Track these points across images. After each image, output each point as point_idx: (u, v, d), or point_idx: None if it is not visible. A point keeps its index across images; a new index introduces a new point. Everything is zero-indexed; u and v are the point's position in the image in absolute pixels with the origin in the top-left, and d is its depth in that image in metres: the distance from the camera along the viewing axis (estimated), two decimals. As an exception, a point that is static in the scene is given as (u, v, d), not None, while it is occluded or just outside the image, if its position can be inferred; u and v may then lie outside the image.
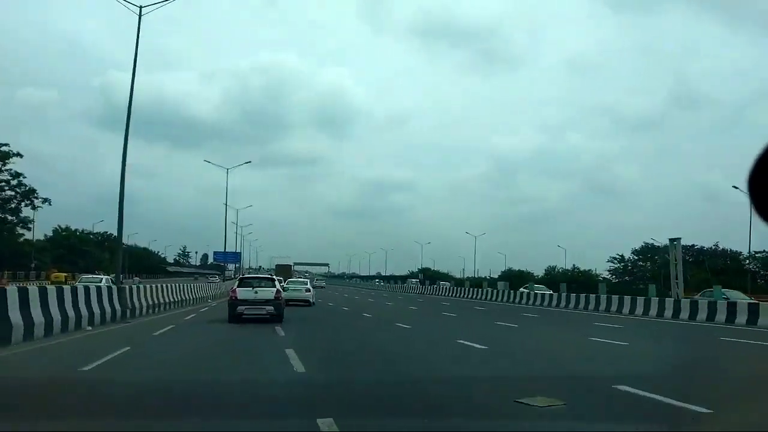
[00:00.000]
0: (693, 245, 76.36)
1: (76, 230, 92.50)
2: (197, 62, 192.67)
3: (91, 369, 8.60)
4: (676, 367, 10.11)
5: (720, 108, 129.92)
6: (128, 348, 11.21)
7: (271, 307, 18.08)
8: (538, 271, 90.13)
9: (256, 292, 18.32)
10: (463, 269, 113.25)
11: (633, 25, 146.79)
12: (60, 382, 7.63)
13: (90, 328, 15.34)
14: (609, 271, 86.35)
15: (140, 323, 17.72)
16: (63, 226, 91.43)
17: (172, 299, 25.58)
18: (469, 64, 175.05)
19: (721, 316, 22.99)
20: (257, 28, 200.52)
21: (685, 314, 24.87)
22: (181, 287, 28.57)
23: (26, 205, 66.30)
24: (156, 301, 23.02)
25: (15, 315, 11.72)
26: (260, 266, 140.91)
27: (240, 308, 18.04)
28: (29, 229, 70.68)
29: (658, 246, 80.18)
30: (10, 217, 66.05)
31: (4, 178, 63.19)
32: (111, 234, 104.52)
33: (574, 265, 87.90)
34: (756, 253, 73.86)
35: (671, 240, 46.11)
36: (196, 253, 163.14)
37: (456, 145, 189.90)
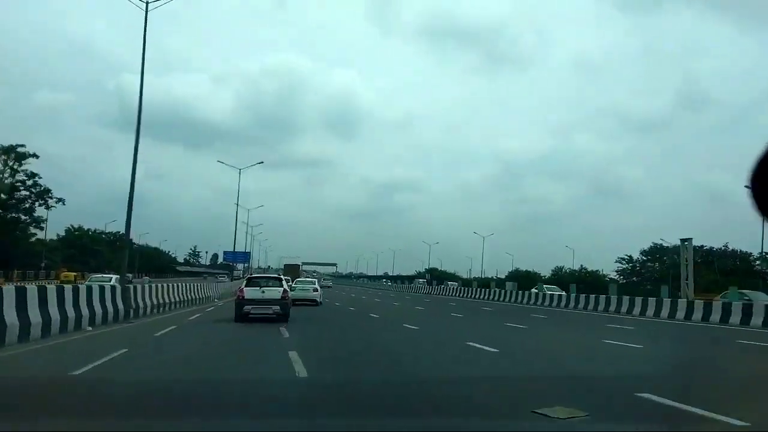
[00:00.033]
0: (702, 246, 75.37)
1: (88, 230, 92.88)
2: (208, 64, 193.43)
3: (83, 373, 8.24)
4: (697, 372, 9.66)
5: (726, 108, 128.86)
6: (126, 350, 10.87)
7: (278, 307, 18.10)
8: (545, 272, 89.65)
9: (263, 292, 18.36)
10: (470, 269, 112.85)
11: (639, 26, 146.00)
12: (47, 386, 7.29)
13: (90, 328, 15.04)
14: (617, 271, 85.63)
15: (143, 323, 17.41)
16: (76, 226, 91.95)
17: (177, 299, 25.30)
18: (477, 65, 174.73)
19: (736, 317, 22.42)
20: (266, 31, 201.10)
21: (698, 315, 24.31)
22: (188, 286, 28.26)
23: (40, 205, 66.57)
24: (161, 301, 22.74)
25: (10, 315, 11.39)
26: (269, 266, 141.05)
27: (247, 307, 18.08)
28: (42, 228, 71.00)
29: (667, 246, 79.43)
30: (23, 217, 66.29)
31: (20, 178, 63.55)
32: (122, 233, 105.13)
33: (581, 265, 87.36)
34: (766, 253, 73.16)
35: (682, 240, 45.47)
36: (207, 253, 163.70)
37: (463, 146, 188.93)
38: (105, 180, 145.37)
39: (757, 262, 76.56)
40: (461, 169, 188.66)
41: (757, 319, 21.31)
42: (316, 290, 31.28)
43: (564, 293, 37.97)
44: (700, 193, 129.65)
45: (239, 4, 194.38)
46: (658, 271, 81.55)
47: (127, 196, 20.92)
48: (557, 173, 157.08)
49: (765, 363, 12.07)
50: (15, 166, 61.89)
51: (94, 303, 16.15)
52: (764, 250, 67.89)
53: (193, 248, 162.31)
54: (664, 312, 26.18)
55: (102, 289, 17.16)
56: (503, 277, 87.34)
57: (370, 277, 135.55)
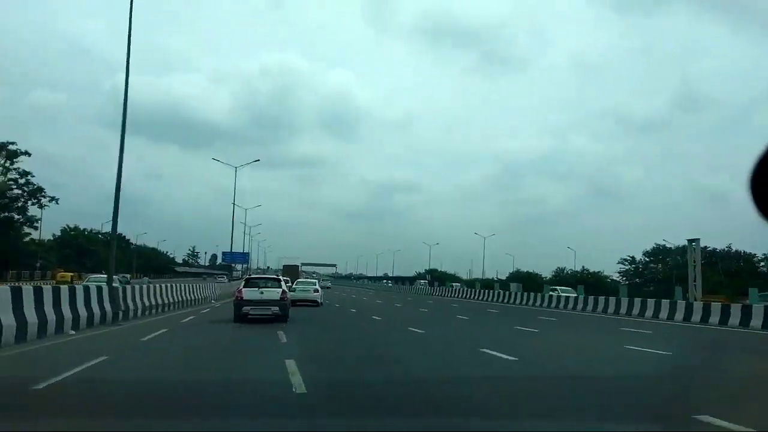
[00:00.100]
0: (705, 247, 74.31)
1: (84, 230, 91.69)
2: (205, 64, 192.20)
3: (50, 386, 7.13)
4: (747, 386, 8.56)
5: (725, 109, 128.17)
6: (105, 357, 9.79)
7: (277, 308, 17.98)
8: (546, 273, 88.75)
9: (261, 293, 18.21)
10: (470, 270, 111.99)
11: (637, 27, 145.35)
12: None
13: (74, 332, 13.97)
14: (620, 272, 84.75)
15: (132, 326, 16.33)
16: (71, 226, 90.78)
17: (171, 300, 24.21)
18: (475, 65, 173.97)
19: (757, 321, 21.36)
20: (263, 31, 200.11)
21: (714, 318, 23.23)
22: (183, 287, 27.17)
23: (33, 204, 65.30)
24: (153, 303, 21.64)
25: (-21, 318, 10.36)
26: (268, 267, 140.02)
27: (245, 308, 17.97)
28: (36, 228, 69.78)
29: (670, 247, 78.70)
30: (16, 216, 65.01)
31: (12, 176, 62.24)
32: (120, 234, 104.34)
33: (583, 266, 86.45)
34: (769, 254, 72.22)
35: (689, 241, 44.47)
36: (206, 253, 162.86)
37: (462, 147, 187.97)
38: (102, 180, 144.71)
39: (762, 263, 75.73)
40: (461, 170, 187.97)
41: (780, 323, 20.32)
42: (316, 291, 31.06)
43: (577, 295, 36.67)
44: (700, 193, 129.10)
45: (237, 4, 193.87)
46: (661, 273, 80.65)
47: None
48: (557, 174, 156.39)
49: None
50: (7, 164, 60.66)
51: (78, 305, 15.08)
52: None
53: (191, 249, 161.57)
54: (679, 315, 25.06)
55: (87, 289, 16.10)
56: (504, 278, 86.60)
57: (370, 278, 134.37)
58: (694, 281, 39.58)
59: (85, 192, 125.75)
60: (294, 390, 7.11)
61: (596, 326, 22.36)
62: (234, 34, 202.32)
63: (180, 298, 25.78)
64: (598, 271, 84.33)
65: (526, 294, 42.21)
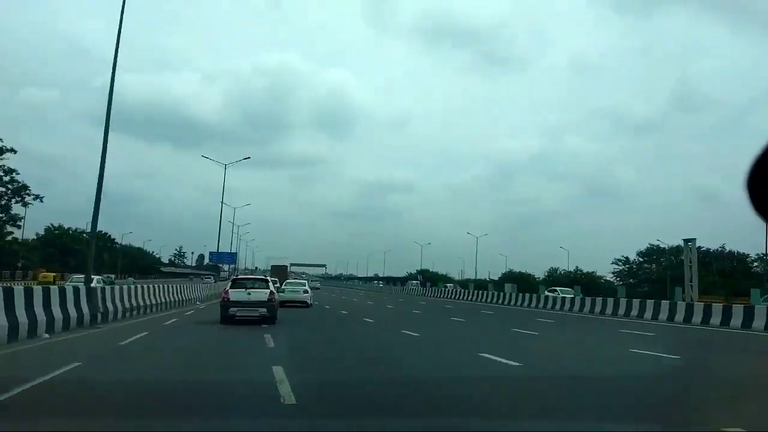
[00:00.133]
0: (699, 247, 74.20)
1: (69, 229, 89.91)
2: (199, 63, 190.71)
3: (9, 397, 6.29)
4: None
5: (722, 109, 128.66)
6: (79, 363, 8.92)
7: (264, 309, 17.53)
8: (539, 273, 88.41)
9: (249, 294, 17.82)
10: (462, 270, 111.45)
11: (635, 27, 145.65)
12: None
13: (48, 335, 13.04)
14: (613, 273, 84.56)
15: (111, 329, 15.43)
16: (56, 225, 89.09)
17: (154, 301, 23.25)
18: (471, 65, 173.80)
19: (760, 321, 20.81)
20: (260, 29, 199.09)
21: (716, 319, 22.65)
22: (167, 288, 26.22)
23: (17, 202, 63.81)
24: (135, 304, 20.69)
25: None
26: (256, 267, 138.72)
27: (232, 310, 17.55)
28: (19, 227, 68.24)
29: (664, 248, 78.62)
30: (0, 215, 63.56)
31: (-3, 174, 60.77)
32: (105, 233, 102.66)
33: (576, 267, 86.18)
34: (764, 255, 72.13)
35: (685, 241, 44.00)
36: (192, 253, 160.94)
37: (456, 147, 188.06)
38: (91, 178, 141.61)
39: (755, 264, 75.72)
40: (453, 170, 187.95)
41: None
42: (306, 292, 30.60)
43: (577, 296, 35.94)
44: (695, 194, 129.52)
45: (236, 4, 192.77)
46: (655, 273, 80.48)
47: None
48: (551, 174, 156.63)
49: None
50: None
51: (53, 306, 14.15)
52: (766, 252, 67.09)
53: (178, 248, 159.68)
54: (679, 316, 24.46)
55: (63, 290, 15.17)
56: (497, 278, 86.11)
57: (360, 279, 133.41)
58: (691, 281, 39.15)
59: (74, 191, 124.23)
60: (282, 401, 6.34)
61: (596, 328, 21.70)
62: (233, 33, 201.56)
63: (164, 300, 24.83)
64: (592, 272, 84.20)
65: (521, 295, 41.54)
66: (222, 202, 54.45)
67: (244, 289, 18.03)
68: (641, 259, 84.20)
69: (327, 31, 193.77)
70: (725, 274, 68.24)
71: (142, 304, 21.62)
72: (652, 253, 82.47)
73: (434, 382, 8.20)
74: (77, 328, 14.86)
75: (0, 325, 11.35)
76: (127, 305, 19.87)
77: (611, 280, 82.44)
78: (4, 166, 60.57)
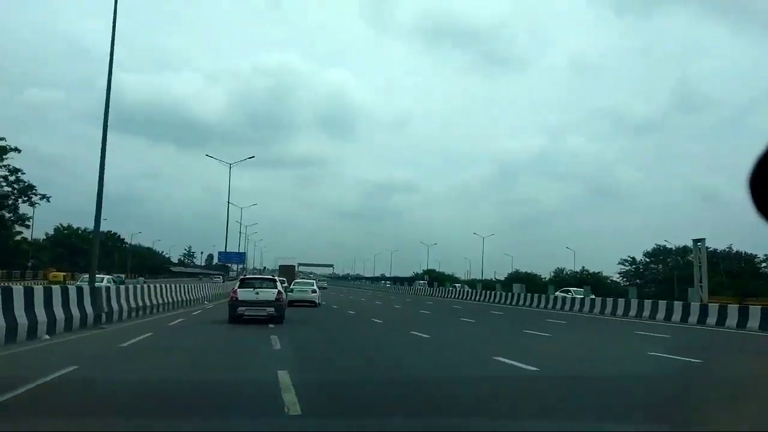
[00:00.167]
0: (706, 247, 73.55)
1: (78, 228, 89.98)
2: (200, 63, 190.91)
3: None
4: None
5: (723, 109, 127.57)
6: (75, 367, 8.59)
7: (272, 309, 17.64)
8: (545, 273, 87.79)
9: (257, 293, 17.87)
10: (468, 271, 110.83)
11: (635, 27, 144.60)
12: None
13: (48, 337, 12.75)
14: (620, 273, 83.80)
15: (114, 330, 15.13)
16: (65, 225, 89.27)
17: (161, 301, 22.98)
18: (472, 65, 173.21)
19: (778, 323, 20.32)
20: (260, 30, 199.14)
21: (732, 321, 22.14)
22: (174, 288, 25.94)
23: (24, 202, 63.87)
24: (140, 304, 20.41)
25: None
26: (264, 267, 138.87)
27: (240, 309, 17.64)
28: (27, 227, 68.32)
29: (671, 248, 77.77)
30: (7, 215, 63.54)
31: (2, 173, 60.74)
32: (114, 233, 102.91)
33: (583, 267, 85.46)
34: (773, 255, 71.24)
35: (695, 241, 43.39)
36: (202, 253, 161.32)
37: (459, 147, 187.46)
38: (95, 179, 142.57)
39: (763, 264, 74.78)
40: (459, 170, 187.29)
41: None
42: (314, 291, 30.70)
43: (593, 297, 35.24)
44: (699, 194, 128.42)
45: (236, 4, 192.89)
46: (661, 273, 79.67)
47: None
48: (555, 174, 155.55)
49: None
50: (-5, 161, 59.24)
51: (55, 307, 13.87)
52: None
53: (187, 248, 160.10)
54: (692, 318, 23.94)
55: (66, 290, 14.88)
56: (503, 278, 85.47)
57: (367, 279, 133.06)
58: (701, 282, 38.54)
59: (79, 191, 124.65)
60: (287, 410, 5.95)
61: (609, 330, 21.22)
62: (233, 34, 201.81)
63: (170, 300, 24.57)
64: (598, 272, 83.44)
65: (529, 295, 41.01)
66: (228, 202, 54.25)
67: (252, 289, 18.07)
68: (648, 260, 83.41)
69: (327, 31, 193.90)
70: (733, 275, 67.42)
71: (148, 304, 21.36)
72: (658, 253, 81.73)
73: (449, 389, 7.78)
74: (80, 328, 14.58)
75: (-3, 327, 11.09)
76: (133, 305, 19.61)
77: (617, 280, 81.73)
78: (9, 165, 60.62)
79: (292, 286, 31.20)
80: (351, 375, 9.04)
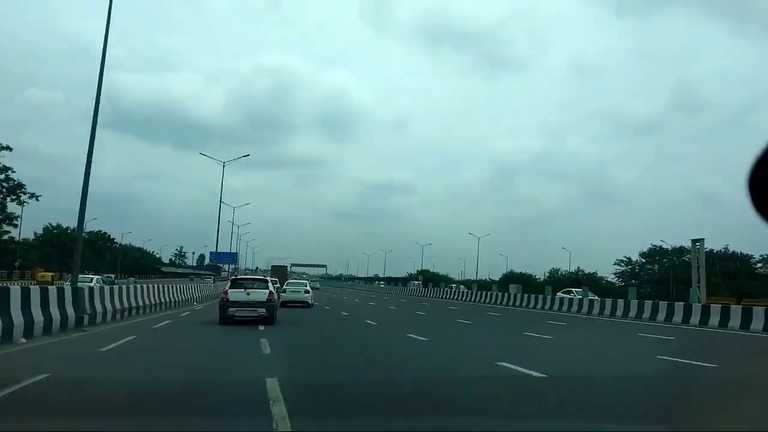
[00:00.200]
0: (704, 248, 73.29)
1: (67, 228, 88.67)
2: (200, 63, 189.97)
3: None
4: None
5: (722, 110, 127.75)
6: (46, 375, 7.90)
7: (263, 310, 17.40)
8: (539, 274, 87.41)
9: (248, 294, 17.68)
10: (462, 271, 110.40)
11: (635, 29, 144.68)
12: None
13: (25, 340, 12.02)
14: (615, 273, 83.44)
15: (96, 333, 14.39)
16: (54, 224, 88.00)
17: (148, 302, 22.22)
18: (472, 66, 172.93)
19: (782, 324, 19.82)
20: (260, 30, 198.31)
21: (735, 322, 21.62)
22: (162, 288, 25.17)
23: (12, 201, 62.79)
24: (126, 305, 19.65)
25: None
26: (257, 267, 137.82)
27: (231, 310, 17.46)
28: (16, 226, 67.20)
29: (667, 248, 77.48)
30: (-5, 214, 62.51)
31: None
32: (104, 232, 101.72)
33: (578, 267, 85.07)
34: (768, 256, 71.05)
35: (693, 241, 43.01)
36: (193, 253, 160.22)
37: (456, 147, 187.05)
38: (93, 178, 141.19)
39: (759, 265, 74.57)
40: (454, 171, 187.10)
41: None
42: (307, 292, 30.72)
43: (597, 298, 34.55)
44: (695, 195, 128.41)
45: (236, 4, 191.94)
46: (657, 274, 79.36)
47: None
48: (552, 174, 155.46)
49: None
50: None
51: (33, 308, 13.12)
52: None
53: (179, 248, 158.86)
54: (694, 319, 23.41)
55: (45, 291, 14.13)
56: (497, 279, 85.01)
57: (361, 279, 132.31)
58: (698, 283, 38.10)
59: (75, 190, 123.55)
60: (275, 427, 5.28)
61: (611, 331, 20.62)
62: (233, 34, 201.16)
63: (158, 301, 23.81)
64: (593, 272, 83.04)
65: (526, 296, 40.44)
66: (220, 201, 53.38)
67: (243, 290, 17.85)
68: (643, 260, 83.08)
69: (327, 31, 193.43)
70: (729, 276, 67.24)
71: (134, 305, 20.61)
72: (654, 253, 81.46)
73: (454, 401, 7.12)
74: (60, 331, 13.85)
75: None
76: (118, 306, 18.86)
77: (613, 281, 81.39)
78: (-2, 163, 59.58)
79: (285, 287, 31.34)
80: (346, 386, 8.34)
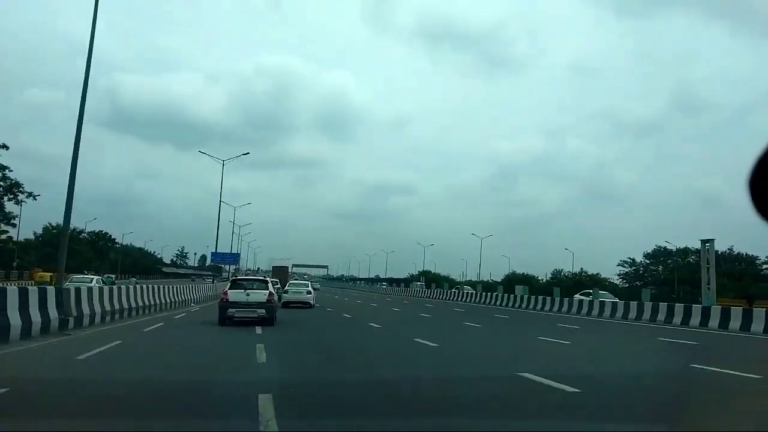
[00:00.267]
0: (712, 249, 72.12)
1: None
2: (200, 64, 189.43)
3: None
4: None
5: (722, 111, 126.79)
6: (5, 390, 6.87)
7: (263, 311, 17.27)
8: (542, 275, 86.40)
9: (248, 295, 17.55)
10: (464, 272, 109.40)
11: (635, 30, 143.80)
12: None
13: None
14: (619, 275, 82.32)
15: (79, 337, 13.33)
16: (53, 224, 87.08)
17: (141, 303, 21.18)
18: (472, 67, 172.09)
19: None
20: (260, 31, 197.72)
21: (758, 326, 20.56)
22: (158, 289, 24.12)
23: (9, 200, 61.83)
24: (117, 307, 18.61)
25: None
26: (258, 268, 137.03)
27: (231, 311, 17.31)
28: (14, 225, 66.25)
29: (671, 249, 76.39)
30: (-8, 213, 61.56)
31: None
32: (105, 233, 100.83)
33: (581, 268, 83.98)
34: (775, 256, 69.94)
35: (703, 241, 41.71)
36: (195, 254, 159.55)
37: (457, 148, 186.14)
38: (93, 178, 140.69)
39: (764, 266, 73.43)
40: (454, 171, 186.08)
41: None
42: (309, 293, 30.88)
43: (617, 300, 33.38)
44: (696, 195, 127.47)
45: (237, 5, 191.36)
46: (662, 275, 78.22)
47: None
48: (552, 175, 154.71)
49: None
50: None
51: (10, 311, 12.12)
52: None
53: (180, 249, 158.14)
54: (713, 322, 22.33)
55: (25, 292, 13.10)
56: (499, 280, 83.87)
57: (363, 280, 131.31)
58: (708, 284, 37.01)
59: (82, 190, 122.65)
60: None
61: (630, 336, 19.43)
62: (233, 34, 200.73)
63: (153, 302, 22.77)
64: (596, 274, 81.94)
65: (533, 298, 39.34)
66: (220, 200, 52.49)
67: (242, 290, 17.72)
68: (648, 261, 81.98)
69: (327, 32, 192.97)
70: (734, 277, 66.14)
71: (127, 306, 19.59)
72: (658, 254, 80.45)
73: (483, 424, 6.05)
74: (41, 336, 12.83)
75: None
76: (109, 308, 17.84)
77: (616, 282, 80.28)
78: (-5, 162, 58.63)
79: (287, 288, 31.84)
80: (347, 394, 7.26)
